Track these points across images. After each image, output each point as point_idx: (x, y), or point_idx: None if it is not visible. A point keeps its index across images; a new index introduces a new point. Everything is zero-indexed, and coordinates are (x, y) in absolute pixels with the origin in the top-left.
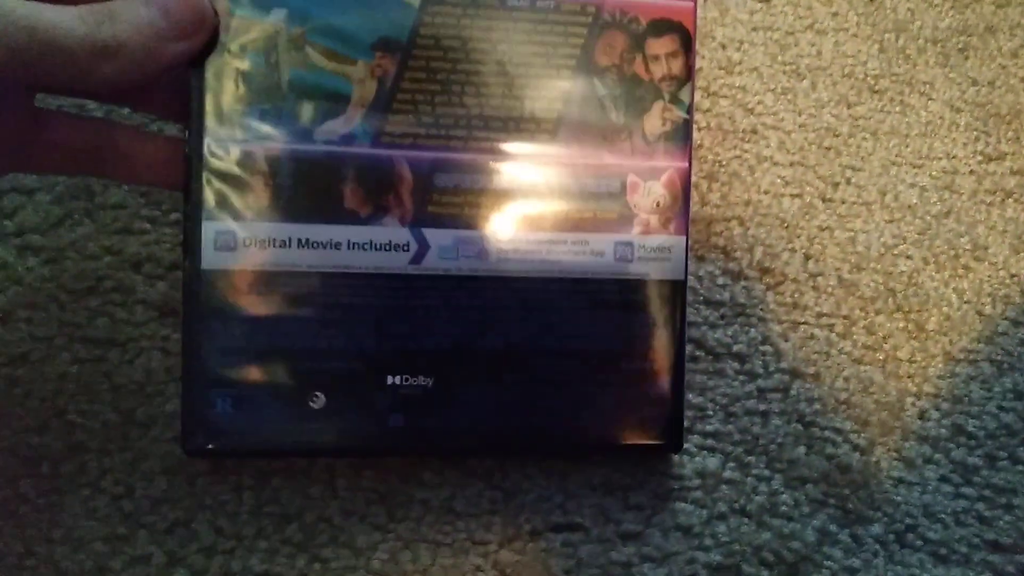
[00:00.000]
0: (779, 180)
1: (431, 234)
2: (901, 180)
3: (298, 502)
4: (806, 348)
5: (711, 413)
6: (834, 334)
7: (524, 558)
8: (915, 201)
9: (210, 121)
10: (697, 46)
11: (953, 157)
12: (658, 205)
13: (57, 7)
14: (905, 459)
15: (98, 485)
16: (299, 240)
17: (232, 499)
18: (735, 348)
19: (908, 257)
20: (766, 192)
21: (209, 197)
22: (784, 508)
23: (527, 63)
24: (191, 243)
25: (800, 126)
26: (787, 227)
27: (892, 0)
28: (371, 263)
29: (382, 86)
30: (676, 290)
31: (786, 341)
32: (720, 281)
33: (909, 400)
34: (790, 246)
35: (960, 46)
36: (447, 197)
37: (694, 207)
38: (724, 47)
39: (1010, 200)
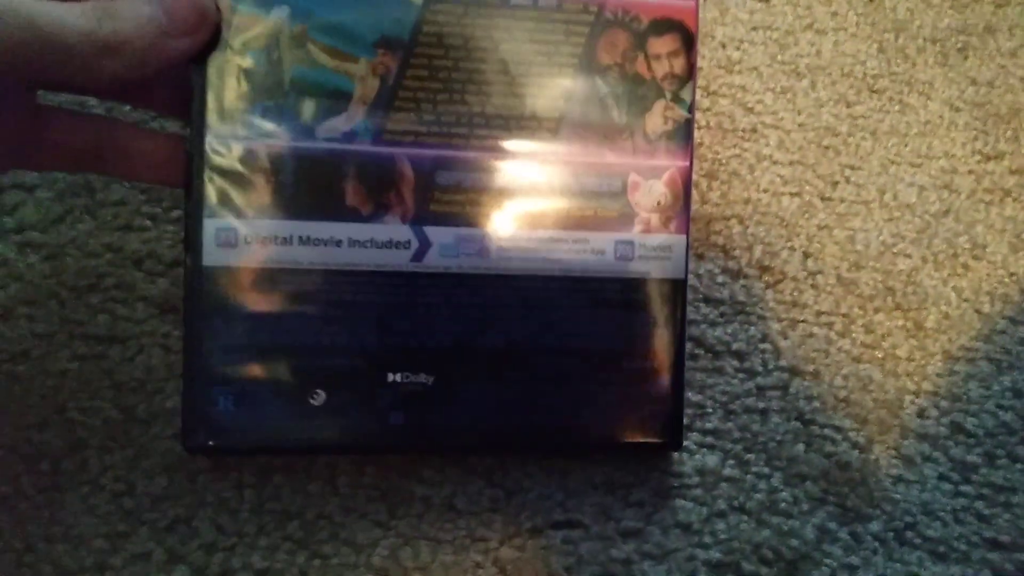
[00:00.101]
0: (778, 179)
1: (432, 232)
2: (900, 179)
3: (299, 499)
4: (805, 346)
5: (711, 411)
6: (833, 332)
7: (524, 555)
8: (914, 200)
9: (212, 118)
10: (698, 45)
11: (952, 156)
12: (659, 204)
13: (59, 3)
14: (904, 457)
15: (98, 482)
16: (300, 237)
17: (233, 496)
18: (734, 346)
19: (907, 256)
20: (765, 191)
21: (210, 194)
22: (783, 506)
23: (529, 61)
24: (192, 240)
25: (799, 125)
26: (786, 226)
27: (891, 0)
28: (372, 261)
29: (384, 84)
30: (677, 289)
31: (785, 339)
32: (720, 279)
33: (908, 398)
34: (789, 244)
35: (959, 46)
36: (448, 195)
37: (694, 206)
38: (724, 46)
39: (1009, 199)
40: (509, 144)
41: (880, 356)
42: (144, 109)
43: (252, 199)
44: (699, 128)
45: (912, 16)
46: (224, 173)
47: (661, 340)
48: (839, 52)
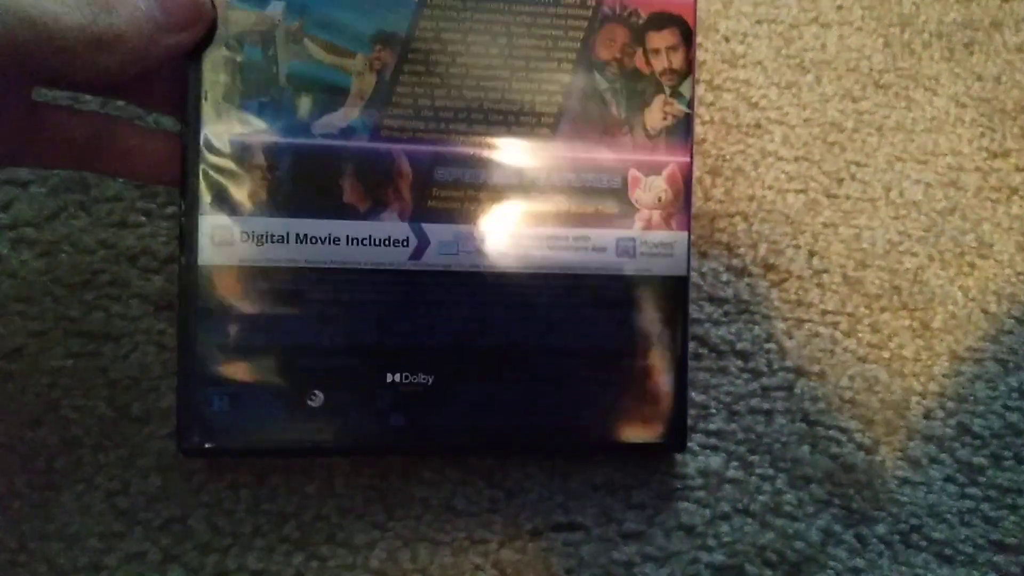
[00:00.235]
0: (783, 175)
1: (431, 229)
2: (906, 176)
3: (295, 500)
4: (810, 346)
5: (714, 411)
6: (839, 332)
7: (524, 557)
8: (920, 198)
9: (207, 114)
10: (700, 39)
11: (958, 153)
12: (660, 200)
13: None
14: (910, 458)
15: (93, 481)
16: (297, 235)
17: (229, 496)
18: (739, 346)
19: (913, 254)
20: (770, 188)
21: (206, 191)
22: (788, 508)
23: (527, 56)
24: (187, 238)
25: (804, 121)
26: (791, 223)
27: None
28: (370, 259)
29: (381, 79)
30: (679, 287)
31: (790, 339)
32: (723, 278)
33: (914, 399)
34: (794, 242)
35: (966, 41)
36: (447, 192)
37: (697, 203)
38: (728, 40)
39: (1016, 197)
40: (508, 140)
41: (886, 356)
42: (140, 106)
43: (248, 196)
44: (702, 123)
45: (918, 10)
46: (219, 170)
47: (663, 339)
48: (844, 46)
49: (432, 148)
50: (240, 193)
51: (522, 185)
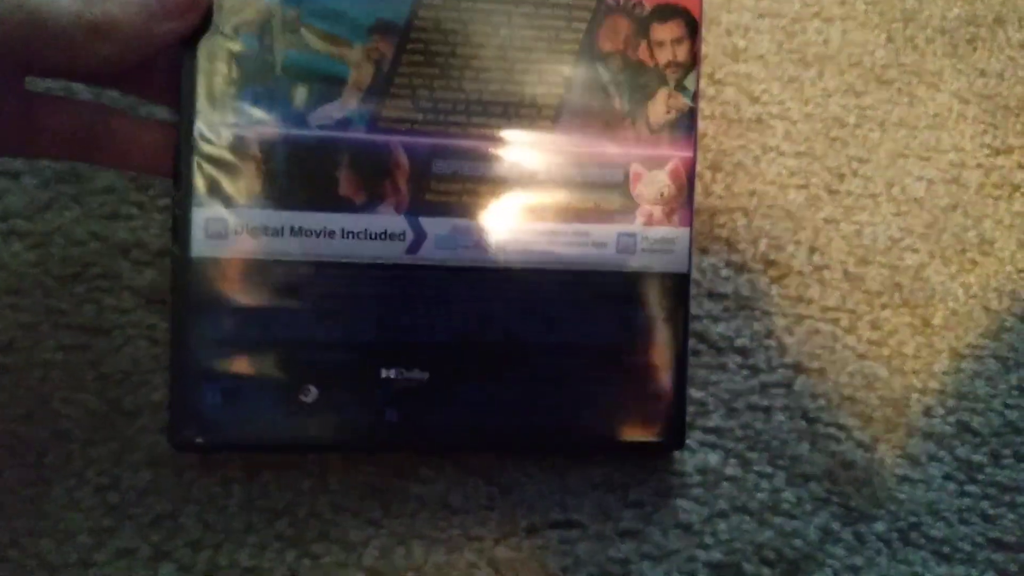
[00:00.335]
0: (785, 171)
1: (428, 223)
2: (908, 172)
3: (289, 496)
4: (810, 343)
5: (713, 408)
6: (839, 328)
7: (520, 555)
8: (922, 194)
9: (202, 104)
10: (703, 32)
11: (961, 150)
12: (662, 196)
13: None
14: (909, 456)
15: (83, 476)
16: (292, 228)
17: (220, 492)
18: (738, 342)
19: (914, 251)
20: (771, 183)
21: (200, 183)
22: (786, 505)
23: (528, 47)
24: (181, 230)
25: (806, 116)
26: (792, 219)
27: None
28: (366, 252)
29: (379, 70)
30: (680, 283)
31: (790, 335)
32: (723, 273)
33: (914, 396)
34: (795, 238)
35: (968, 37)
36: (445, 185)
37: (697, 198)
38: (730, 33)
39: (1017, 194)
40: (507, 133)
41: (886, 353)
42: (135, 95)
43: (242, 188)
44: (703, 118)
45: (921, 6)
46: (214, 161)
47: (663, 336)
48: (847, 41)
49: (430, 140)
50: (235, 185)
51: (521, 179)
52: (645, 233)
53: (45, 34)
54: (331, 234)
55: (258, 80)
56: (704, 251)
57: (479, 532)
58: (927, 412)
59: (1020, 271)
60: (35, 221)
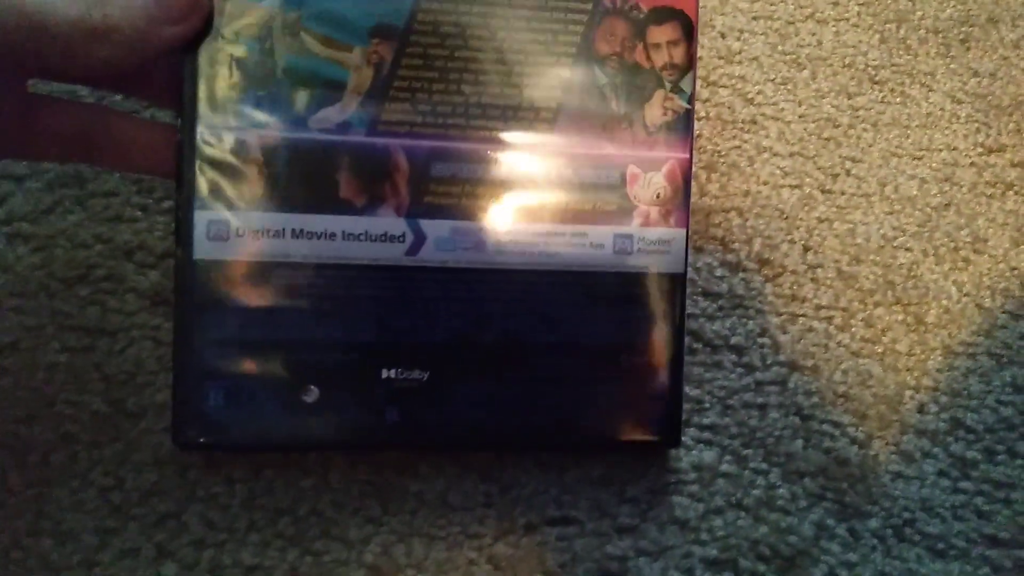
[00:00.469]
0: (778, 171)
1: (427, 225)
2: (901, 172)
3: (290, 495)
4: (804, 341)
5: (708, 406)
6: (833, 327)
7: (519, 552)
8: (915, 193)
9: (203, 108)
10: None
11: (954, 149)
12: (658, 197)
13: None
14: (903, 453)
15: (87, 477)
16: (293, 230)
17: (223, 492)
18: (733, 340)
19: (908, 249)
20: (765, 183)
21: (202, 186)
22: (781, 502)
23: (526, 50)
24: (183, 233)
25: (800, 116)
26: (786, 218)
27: None
28: (366, 254)
29: (378, 73)
30: (676, 284)
31: (784, 333)
32: (718, 272)
33: (908, 393)
34: (789, 238)
35: (961, 37)
36: (444, 187)
37: (692, 198)
38: (724, 36)
39: (1010, 193)
40: (506, 135)
41: (880, 351)
42: (137, 98)
43: (244, 191)
44: (698, 119)
45: (914, 6)
46: (215, 164)
47: (660, 336)
48: (840, 42)
49: (429, 143)
50: (236, 188)
51: (520, 181)
52: (642, 234)
53: (44, 38)
54: (332, 236)
55: (259, 84)
56: (699, 250)
57: (478, 529)
58: (921, 409)
59: (1013, 269)
60: (39, 224)
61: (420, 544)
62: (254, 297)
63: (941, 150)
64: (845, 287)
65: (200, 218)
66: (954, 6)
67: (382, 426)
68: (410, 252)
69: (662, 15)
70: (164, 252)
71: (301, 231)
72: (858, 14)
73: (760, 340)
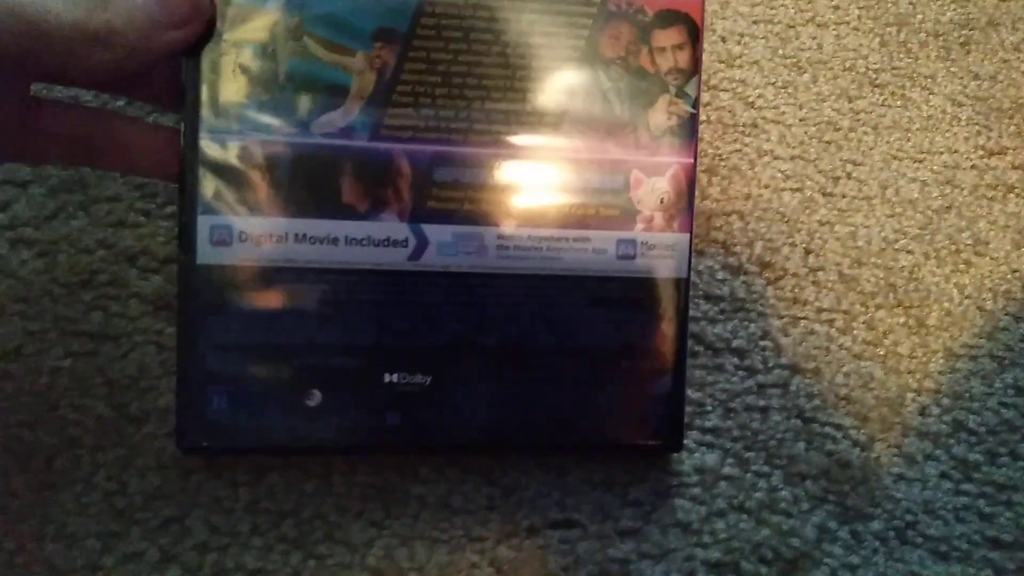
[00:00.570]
0: (779, 174)
1: (430, 230)
2: (902, 175)
3: (293, 498)
4: (806, 343)
5: (710, 409)
6: (834, 329)
7: (521, 555)
8: (916, 196)
9: (206, 113)
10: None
11: (954, 152)
12: (662, 202)
13: None
14: (905, 455)
15: (91, 481)
16: (296, 235)
17: (227, 495)
18: (734, 343)
19: (909, 252)
20: (766, 186)
21: (204, 191)
22: (783, 504)
23: (530, 54)
24: (186, 238)
25: (801, 120)
26: (787, 222)
27: None
28: (369, 259)
29: (381, 78)
30: (679, 289)
31: (786, 336)
32: (720, 276)
33: (909, 396)
34: (790, 241)
35: (962, 40)
36: (447, 192)
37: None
38: (724, 40)
39: (1011, 195)
40: (509, 140)
41: (881, 353)
42: (140, 101)
43: (247, 196)
44: (699, 123)
45: (914, 10)
46: (218, 169)
47: (662, 341)
48: (841, 46)
49: (432, 148)
50: (239, 193)
51: (523, 185)
52: (645, 239)
53: (45, 42)
54: (335, 241)
55: (262, 89)
56: (700, 254)
57: (481, 532)
58: (923, 411)
59: (1014, 271)
60: (42, 229)
61: (422, 547)
62: (257, 301)
63: (942, 153)
64: (846, 290)
65: (203, 223)
66: (954, 9)
67: (384, 430)
68: (413, 257)
69: (667, 19)
70: (167, 257)
71: (304, 236)
72: (858, 18)
73: (762, 343)
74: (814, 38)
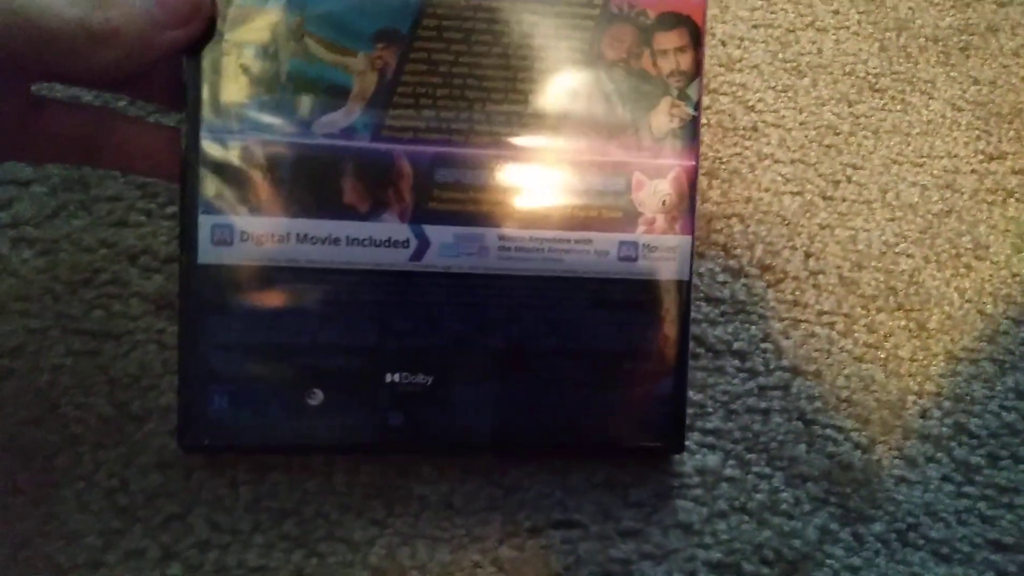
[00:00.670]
0: (780, 178)
1: (431, 231)
2: (902, 179)
3: (295, 497)
4: (807, 346)
5: (711, 410)
6: (835, 332)
7: (523, 555)
8: (916, 200)
9: (207, 112)
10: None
11: (954, 156)
12: (664, 204)
13: None
14: (907, 458)
15: (92, 479)
16: (297, 235)
17: (228, 493)
18: (736, 345)
19: (909, 256)
20: (767, 190)
21: (206, 191)
22: (785, 506)
23: (532, 56)
24: (187, 237)
25: (801, 124)
26: (788, 225)
27: None
28: (370, 260)
29: (383, 78)
30: (681, 291)
31: (787, 339)
32: (721, 278)
33: (910, 399)
34: (791, 244)
35: (961, 45)
36: (448, 193)
37: None
38: (725, 44)
39: (1011, 199)
40: (511, 141)
41: (882, 356)
42: (141, 100)
43: (248, 196)
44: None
45: (914, 15)
46: (219, 169)
47: (664, 343)
48: (840, 51)
49: (434, 149)
50: (240, 193)
51: (524, 187)
52: (647, 241)
53: (45, 42)
54: (336, 241)
55: (263, 89)
56: (701, 256)
57: (482, 532)
58: (924, 414)
59: (1015, 275)
60: (44, 228)
61: (424, 546)
62: (258, 301)
63: (942, 157)
64: (847, 293)
65: (204, 222)
66: (954, 15)
67: (386, 430)
68: (414, 257)
69: (669, 21)
70: (168, 256)
71: (305, 236)
72: (858, 22)
73: (763, 345)
74: (814, 42)
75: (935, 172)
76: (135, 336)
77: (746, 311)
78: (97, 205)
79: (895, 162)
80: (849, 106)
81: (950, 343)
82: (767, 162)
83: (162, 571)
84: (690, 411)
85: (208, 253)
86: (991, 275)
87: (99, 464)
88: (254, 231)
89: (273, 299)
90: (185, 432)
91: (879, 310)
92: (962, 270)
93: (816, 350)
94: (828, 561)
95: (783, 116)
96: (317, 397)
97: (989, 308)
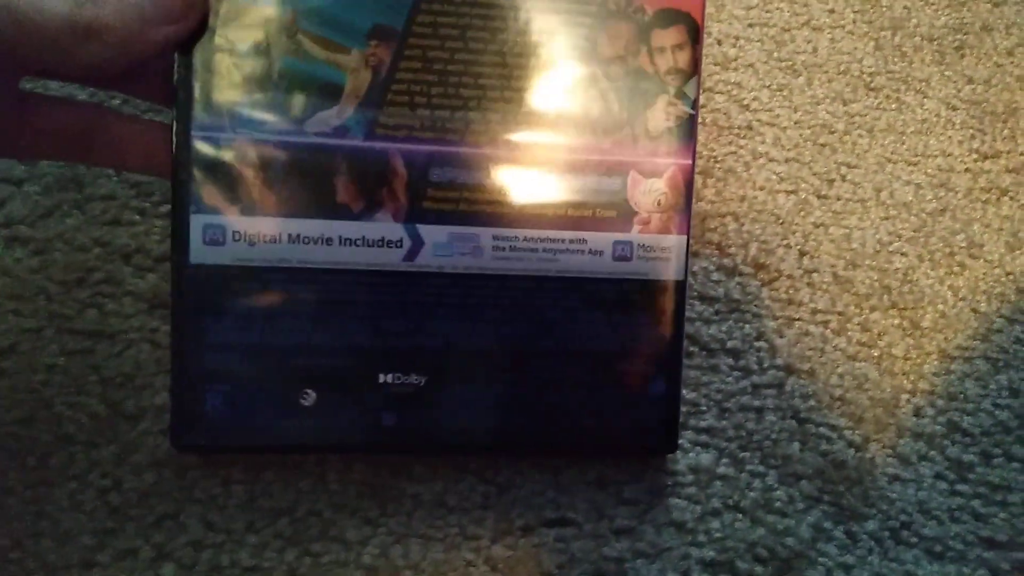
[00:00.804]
0: (774, 176)
1: (425, 230)
2: (896, 177)
3: (288, 496)
4: (801, 344)
5: (705, 409)
6: (829, 331)
7: (516, 553)
8: (910, 198)
9: (198, 110)
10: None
11: (949, 155)
12: (659, 204)
13: None
14: (900, 456)
15: (85, 478)
16: (289, 235)
17: (221, 493)
18: (729, 344)
19: (903, 254)
20: (761, 188)
21: (197, 190)
22: (778, 504)
23: (527, 53)
24: (179, 237)
25: (795, 123)
26: (782, 223)
27: None
28: (363, 259)
29: (376, 76)
30: (676, 291)
31: (781, 337)
32: (715, 277)
33: (904, 397)
34: (785, 242)
35: (956, 44)
36: (442, 192)
37: None
38: (720, 43)
39: (1005, 198)
40: (506, 140)
41: (876, 355)
42: (133, 97)
43: (240, 195)
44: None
45: (909, 14)
46: (211, 168)
47: (658, 343)
48: (836, 50)
49: (428, 147)
50: (232, 192)
51: (519, 186)
52: (642, 241)
53: (34, 37)
54: (328, 241)
55: (255, 87)
56: (695, 255)
57: (476, 531)
58: (917, 412)
59: (1008, 274)
60: (37, 227)
61: (418, 545)
62: (251, 301)
63: (936, 156)
64: (841, 291)
65: (196, 222)
66: (948, 14)
67: (379, 430)
68: (407, 257)
69: (667, 18)
70: (161, 255)
71: (298, 236)
72: (853, 21)
73: (756, 344)
74: (809, 41)
75: (929, 171)
76: (128, 335)
77: (740, 310)
78: (91, 204)
79: (889, 161)
80: (844, 105)
81: (944, 341)
82: (762, 161)
83: (155, 571)
84: (684, 410)
85: (200, 253)
86: (985, 273)
87: (92, 463)
88: (246, 231)
89: (266, 299)
90: (178, 432)
91: (873, 308)
92: (956, 268)
93: (810, 348)
94: (821, 559)
95: (778, 115)
96: (310, 397)
97: (983, 306)
